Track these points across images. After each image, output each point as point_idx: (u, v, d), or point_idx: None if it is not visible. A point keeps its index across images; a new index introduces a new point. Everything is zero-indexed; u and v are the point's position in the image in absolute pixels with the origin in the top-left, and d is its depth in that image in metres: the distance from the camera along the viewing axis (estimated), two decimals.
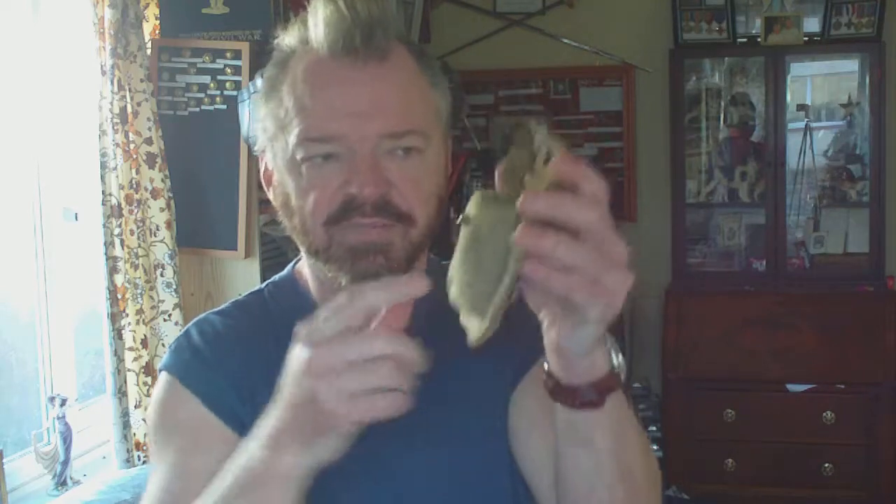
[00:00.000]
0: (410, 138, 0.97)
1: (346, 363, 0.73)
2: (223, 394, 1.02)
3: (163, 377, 1.08)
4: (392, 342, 0.73)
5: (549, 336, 0.78)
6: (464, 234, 0.75)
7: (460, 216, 0.75)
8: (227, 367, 1.04)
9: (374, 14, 0.96)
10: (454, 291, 0.75)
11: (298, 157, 0.97)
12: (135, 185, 2.41)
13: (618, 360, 0.82)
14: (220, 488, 0.83)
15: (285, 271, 1.15)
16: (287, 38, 1.03)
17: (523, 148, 0.76)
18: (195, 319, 1.12)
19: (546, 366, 0.83)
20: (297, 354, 0.76)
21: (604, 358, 0.80)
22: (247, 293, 1.15)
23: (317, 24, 0.97)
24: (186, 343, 1.08)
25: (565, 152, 0.71)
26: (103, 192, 2.34)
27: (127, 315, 2.39)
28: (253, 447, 0.81)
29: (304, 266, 1.10)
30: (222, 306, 1.13)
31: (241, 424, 0.97)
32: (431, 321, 0.84)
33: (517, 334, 0.85)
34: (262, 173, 1.06)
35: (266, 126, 1.03)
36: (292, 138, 0.97)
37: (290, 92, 0.99)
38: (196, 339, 1.08)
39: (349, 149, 0.95)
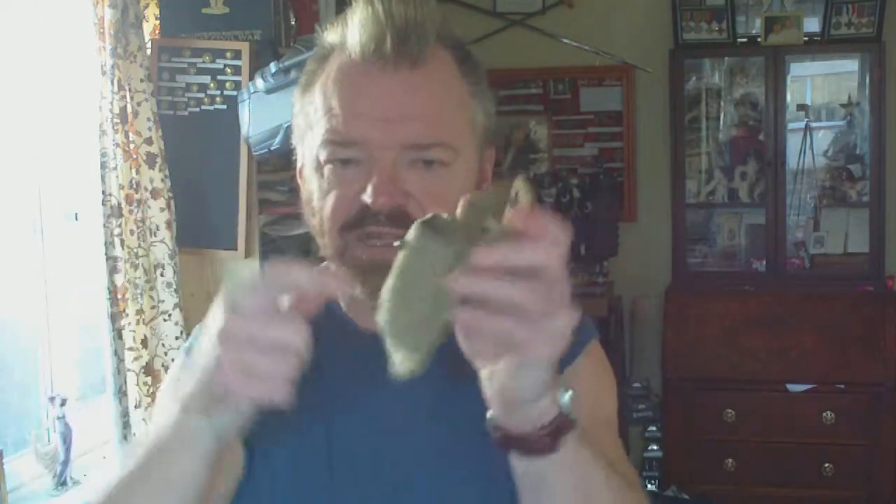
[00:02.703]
0: (435, 151, 0.95)
1: (255, 341, 0.72)
2: None
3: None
4: (301, 333, 0.72)
5: (494, 385, 0.76)
6: (400, 260, 0.72)
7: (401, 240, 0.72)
8: None
9: (410, 18, 0.93)
10: (384, 316, 0.72)
11: (321, 157, 0.96)
12: (135, 185, 2.41)
13: (567, 398, 0.79)
14: (142, 449, 0.83)
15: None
16: (329, 35, 1.01)
17: (499, 189, 0.75)
18: None
19: (490, 418, 0.80)
20: (216, 317, 0.75)
21: (552, 400, 0.78)
22: None
23: (352, 25, 0.95)
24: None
25: (530, 204, 0.71)
26: (103, 193, 2.34)
27: (127, 315, 2.39)
28: (171, 408, 0.80)
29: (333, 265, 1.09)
30: None
31: None
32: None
33: None
34: (297, 169, 1.05)
35: (299, 122, 1.02)
36: (317, 138, 0.96)
37: (321, 91, 0.98)
38: None
39: (369, 156, 0.94)
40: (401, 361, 0.72)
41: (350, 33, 0.96)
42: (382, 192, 0.92)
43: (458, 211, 0.74)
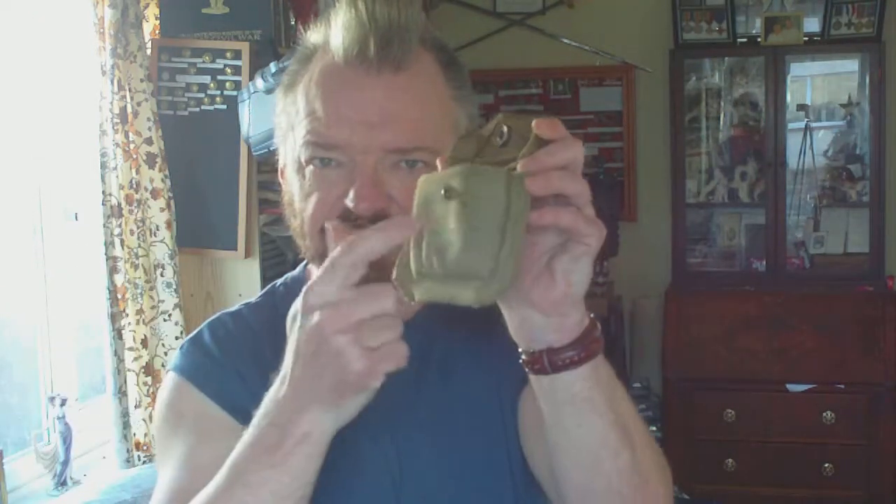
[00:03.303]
0: (418, 154, 0.95)
1: (361, 321, 0.74)
2: (234, 392, 1.01)
3: (171, 378, 1.07)
4: (389, 292, 0.75)
5: (545, 296, 0.78)
6: (451, 207, 0.74)
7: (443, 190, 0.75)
8: (239, 367, 1.03)
9: (393, 21, 0.93)
10: (453, 259, 0.74)
11: (303, 159, 0.97)
12: (135, 185, 2.41)
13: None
14: (236, 460, 0.83)
15: (297, 271, 1.14)
16: (313, 35, 1.01)
17: (470, 137, 0.81)
18: (208, 320, 1.11)
19: (526, 355, 0.82)
20: (308, 319, 0.76)
21: (585, 308, 0.81)
22: (260, 293, 1.14)
23: (336, 27, 0.95)
24: (198, 344, 1.07)
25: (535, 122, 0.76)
26: (103, 192, 2.34)
27: (127, 315, 2.39)
28: (269, 416, 0.81)
29: (315, 266, 1.09)
30: (236, 307, 1.13)
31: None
32: (437, 321, 0.83)
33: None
34: (279, 169, 1.06)
35: (280, 121, 1.02)
36: (299, 139, 0.96)
37: (304, 92, 0.98)
38: (207, 340, 1.07)
39: (351, 159, 0.94)
40: (480, 289, 0.74)
41: (333, 35, 0.96)
42: (365, 197, 0.93)
43: (440, 164, 0.79)
